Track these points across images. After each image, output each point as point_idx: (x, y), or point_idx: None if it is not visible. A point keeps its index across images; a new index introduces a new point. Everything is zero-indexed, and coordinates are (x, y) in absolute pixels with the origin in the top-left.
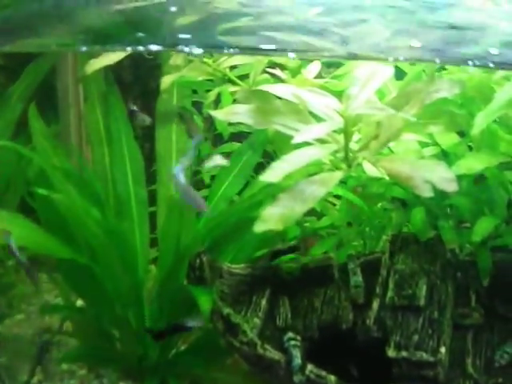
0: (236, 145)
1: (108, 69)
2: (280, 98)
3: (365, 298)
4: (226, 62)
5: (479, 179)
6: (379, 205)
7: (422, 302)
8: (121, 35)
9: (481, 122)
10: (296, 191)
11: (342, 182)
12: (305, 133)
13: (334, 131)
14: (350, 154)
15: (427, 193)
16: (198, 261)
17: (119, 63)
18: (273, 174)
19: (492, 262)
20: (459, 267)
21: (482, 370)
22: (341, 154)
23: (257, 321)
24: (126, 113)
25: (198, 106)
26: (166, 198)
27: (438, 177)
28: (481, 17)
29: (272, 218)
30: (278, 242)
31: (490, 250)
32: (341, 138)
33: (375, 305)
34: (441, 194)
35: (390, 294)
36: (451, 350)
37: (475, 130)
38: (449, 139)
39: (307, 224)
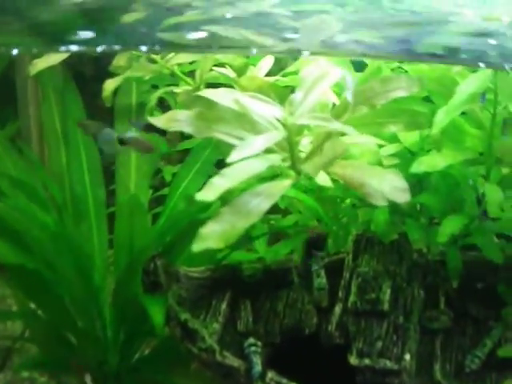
0: (197, 140)
1: (66, 65)
2: None
3: (330, 302)
4: (175, 59)
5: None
6: (347, 201)
7: (385, 307)
8: (65, 34)
9: (441, 119)
10: (239, 205)
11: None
12: (243, 149)
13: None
14: (298, 164)
15: (380, 201)
16: (151, 265)
17: (79, 58)
18: (211, 191)
19: (463, 262)
20: (428, 268)
21: (452, 376)
22: (287, 163)
23: (216, 326)
24: (84, 111)
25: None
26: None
27: (390, 186)
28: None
29: (212, 235)
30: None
31: (462, 250)
32: (286, 147)
33: (337, 309)
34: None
35: (352, 298)
36: (419, 356)
37: (435, 129)
38: (411, 137)
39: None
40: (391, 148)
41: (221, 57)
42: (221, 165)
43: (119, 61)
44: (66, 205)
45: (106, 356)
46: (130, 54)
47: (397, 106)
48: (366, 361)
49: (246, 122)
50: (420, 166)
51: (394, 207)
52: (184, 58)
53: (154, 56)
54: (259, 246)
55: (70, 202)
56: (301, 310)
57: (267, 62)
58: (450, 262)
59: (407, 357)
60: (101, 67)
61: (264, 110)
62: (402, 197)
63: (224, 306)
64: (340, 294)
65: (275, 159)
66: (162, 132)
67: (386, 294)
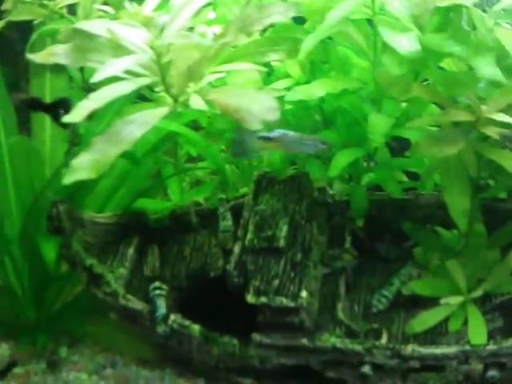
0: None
1: None
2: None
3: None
4: (63, 1)
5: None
6: None
7: (282, 244)
8: None
9: (308, 44)
10: (111, 133)
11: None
12: (105, 69)
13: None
14: (173, 89)
15: (255, 125)
16: (54, 210)
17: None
18: (78, 113)
19: (373, 201)
20: (334, 208)
21: (359, 316)
22: (160, 88)
23: (123, 271)
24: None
25: None
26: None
27: (261, 107)
28: None
29: (83, 166)
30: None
31: (372, 190)
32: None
33: (236, 249)
34: (312, 129)
35: (249, 236)
36: (322, 295)
37: (301, 54)
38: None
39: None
40: (284, 82)
41: None
42: None
43: (7, 4)
44: None
45: (23, 308)
46: None
47: (278, 35)
48: (263, 299)
49: (118, 49)
50: (295, 94)
51: None
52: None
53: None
54: (173, 194)
55: None
56: (207, 254)
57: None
58: (353, 201)
59: (304, 294)
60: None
61: (131, 34)
62: (272, 115)
63: (131, 251)
64: (239, 233)
65: (143, 81)
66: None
67: (283, 231)
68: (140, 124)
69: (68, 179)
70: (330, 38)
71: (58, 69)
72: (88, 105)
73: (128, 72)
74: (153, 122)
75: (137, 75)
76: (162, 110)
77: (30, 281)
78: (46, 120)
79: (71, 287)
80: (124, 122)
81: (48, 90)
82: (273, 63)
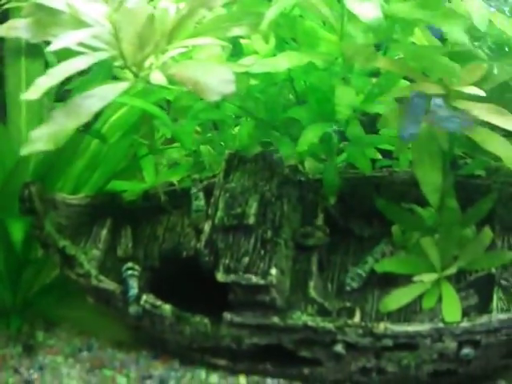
0: None
1: None
2: None
3: None
4: None
5: None
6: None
7: (251, 221)
8: None
9: (271, 14)
10: (70, 107)
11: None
12: (61, 39)
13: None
14: (128, 61)
15: (213, 97)
16: (26, 192)
17: None
18: (34, 90)
19: (346, 179)
20: (307, 186)
21: (332, 294)
22: (120, 63)
23: (96, 252)
24: None
25: None
26: None
27: (218, 79)
28: None
29: (41, 138)
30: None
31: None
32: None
33: (207, 227)
34: (283, 106)
35: (219, 214)
36: (295, 273)
37: (263, 24)
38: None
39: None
40: (250, 59)
41: None
42: None
43: None
44: None
45: None
46: None
47: (242, 10)
48: (232, 276)
49: (79, 24)
50: (260, 67)
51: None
52: None
53: None
54: (148, 176)
55: None
56: (180, 234)
57: None
58: (325, 179)
59: (273, 271)
60: None
61: (91, 8)
62: (229, 88)
63: (104, 232)
64: (210, 211)
65: (101, 56)
66: None
67: (252, 208)
68: (99, 98)
69: (26, 150)
70: (300, 15)
71: (33, 53)
72: (45, 81)
73: (88, 47)
74: (112, 96)
75: (96, 50)
76: (123, 85)
77: (5, 264)
78: (23, 105)
79: (48, 270)
80: (83, 97)
81: (24, 75)
82: (242, 42)
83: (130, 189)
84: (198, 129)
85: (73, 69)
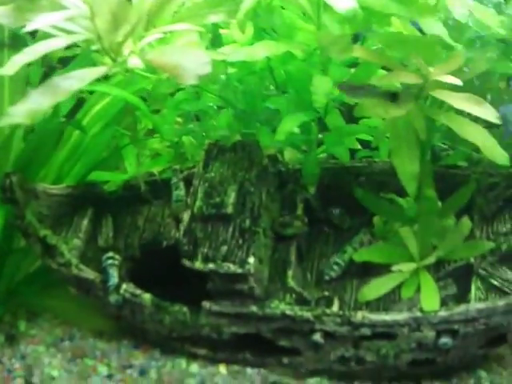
0: None
1: None
2: None
3: None
4: None
5: None
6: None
7: (230, 210)
8: None
9: (248, 2)
10: (48, 86)
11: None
12: (37, 21)
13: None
14: (105, 44)
15: (191, 80)
16: (7, 182)
17: None
18: (10, 66)
19: (325, 170)
20: (287, 176)
21: (312, 284)
22: (97, 46)
23: (77, 241)
24: None
25: None
26: None
27: (194, 62)
28: None
29: (18, 113)
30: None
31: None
32: (92, 28)
33: (186, 216)
34: (262, 96)
35: (198, 203)
36: (274, 262)
37: (241, 13)
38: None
39: None
40: (228, 48)
41: None
42: None
43: None
44: None
45: None
46: None
47: None
48: (211, 265)
49: (57, 8)
50: (238, 55)
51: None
52: None
53: None
54: (129, 167)
55: None
56: (160, 224)
57: None
58: (305, 168)
59: (251, 260)
60: None
61: None
62: (205, 69)
63: (85, 222)
64: (189, 201)
65: (76, 38)
66: None
67: (231, 198)
68: (77, 79)
69: (3, 122)
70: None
71: (16, 44)
72: (21, 58)
73: (67, 32)
74: (90, 78)
75: (73, 33)
76: (101, 69)
77: None
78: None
79: (30, 260)
80: (62, 78)
81: None
82: (222, 32)
83: (111, 179)
84: (180, 120)
85: (48, 48)
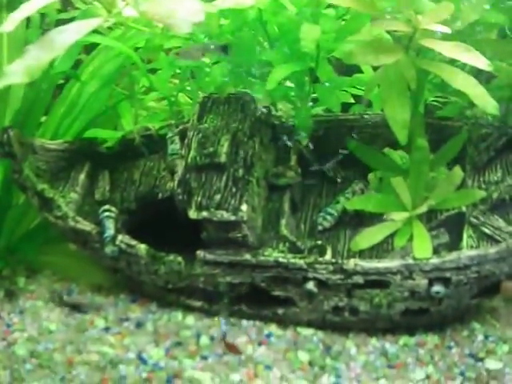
0: None
1: None
2: None
3: None
4: None
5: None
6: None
7: (223, 159)
8: None
9: None
10: (44, 41)
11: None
12: None
13: None
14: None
15: (185, 28)
16: (5, 136)
17: None
18: (8, 23)
19: (319, 123)
20: (281, 129)
21: (305, 234)
22: None
23: (74, 195)
24: None
25: None
26: None
27: (187, 10)
28: None
29: (17, 71)
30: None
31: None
32: None
33: (180, 167)
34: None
35: (192, 153)
36: (267, 212)
37: None
38: None
39: None
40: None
41: None
42: None
43: None
44: None
45: None
46: None
47: None
48: (204, 213)
49: None
50: (227, 2)
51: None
52: None
53: None
54: (126, 124)
55: None
56: (156, 177)
57: None
58: (298, 122)
59: (244, 207)
60: None
61: None
62: (197, 17)
63: (82, 177)
64: (183, 151)
65: None
66: None
67: (224, 147)
68: (73, 32)
69: (1, 83)
70: None
71: (14, 5)
72: (19, 14)
73: None
74: (85, 30)
75: None
76: (96, 21)
77: None
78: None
79: (30, 217)
80: (58, 31)
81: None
82: None
83: (108, 137)
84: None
85: (38, 4)
